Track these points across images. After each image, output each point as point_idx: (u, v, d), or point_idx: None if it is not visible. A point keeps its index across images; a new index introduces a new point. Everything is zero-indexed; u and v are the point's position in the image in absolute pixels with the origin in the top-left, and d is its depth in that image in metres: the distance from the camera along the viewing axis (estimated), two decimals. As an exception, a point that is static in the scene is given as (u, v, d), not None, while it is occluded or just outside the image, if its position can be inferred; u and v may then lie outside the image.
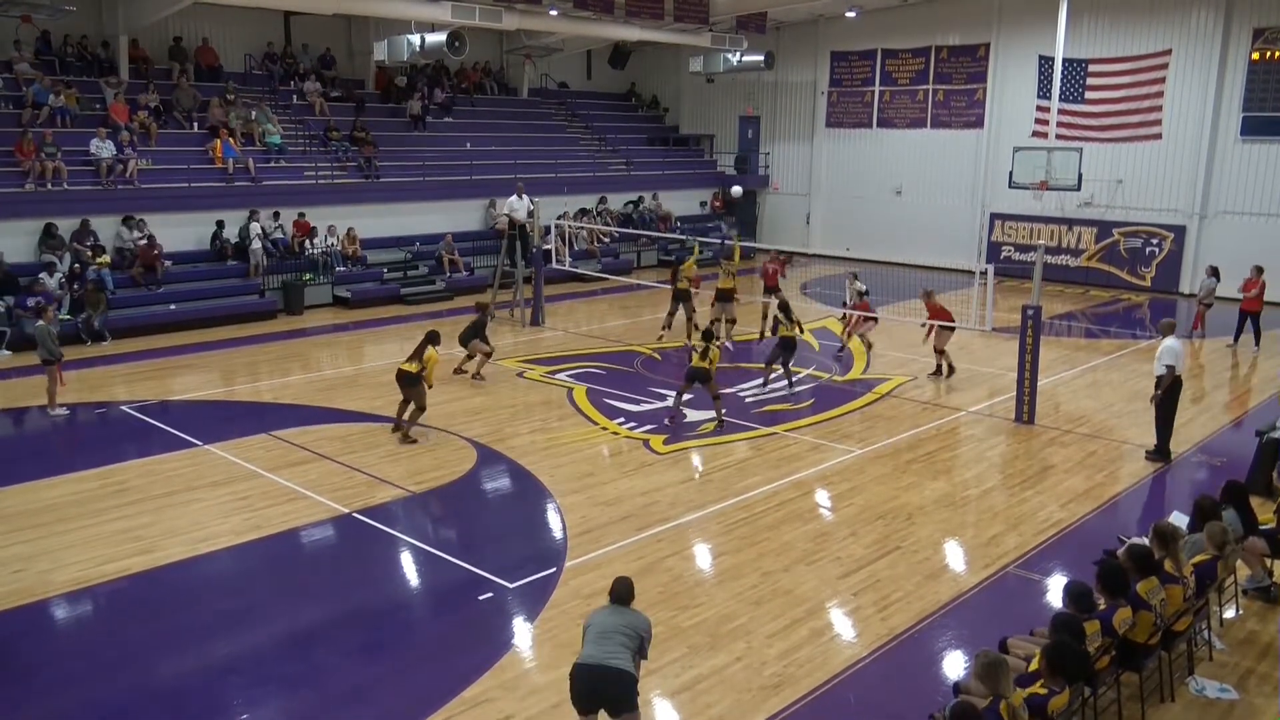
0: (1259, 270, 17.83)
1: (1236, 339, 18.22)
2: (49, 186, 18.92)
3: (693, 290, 18.19)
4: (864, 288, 17.82)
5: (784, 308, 15.18)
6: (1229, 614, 8.18)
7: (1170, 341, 11.63)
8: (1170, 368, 11.54)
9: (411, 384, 12.39)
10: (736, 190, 22.54)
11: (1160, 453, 12.07)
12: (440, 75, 28.58)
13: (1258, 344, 17.96)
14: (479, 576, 8.73)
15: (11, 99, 20.26)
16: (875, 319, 17.34)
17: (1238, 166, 23.29)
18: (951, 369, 15.88)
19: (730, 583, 8.63)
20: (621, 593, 6.03)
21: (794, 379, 15.26)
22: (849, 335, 17.49)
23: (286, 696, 7.00)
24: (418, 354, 12.45)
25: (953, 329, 15.51)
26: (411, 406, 12.48)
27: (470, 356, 15.53)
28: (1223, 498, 8.40)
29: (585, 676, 5.72)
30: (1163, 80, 24.01)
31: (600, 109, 33.22)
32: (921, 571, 8.89)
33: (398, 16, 22.59)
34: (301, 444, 12.34)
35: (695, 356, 13.13)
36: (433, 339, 12.63)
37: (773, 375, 15.30)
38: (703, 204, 32.42)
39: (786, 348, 14.90)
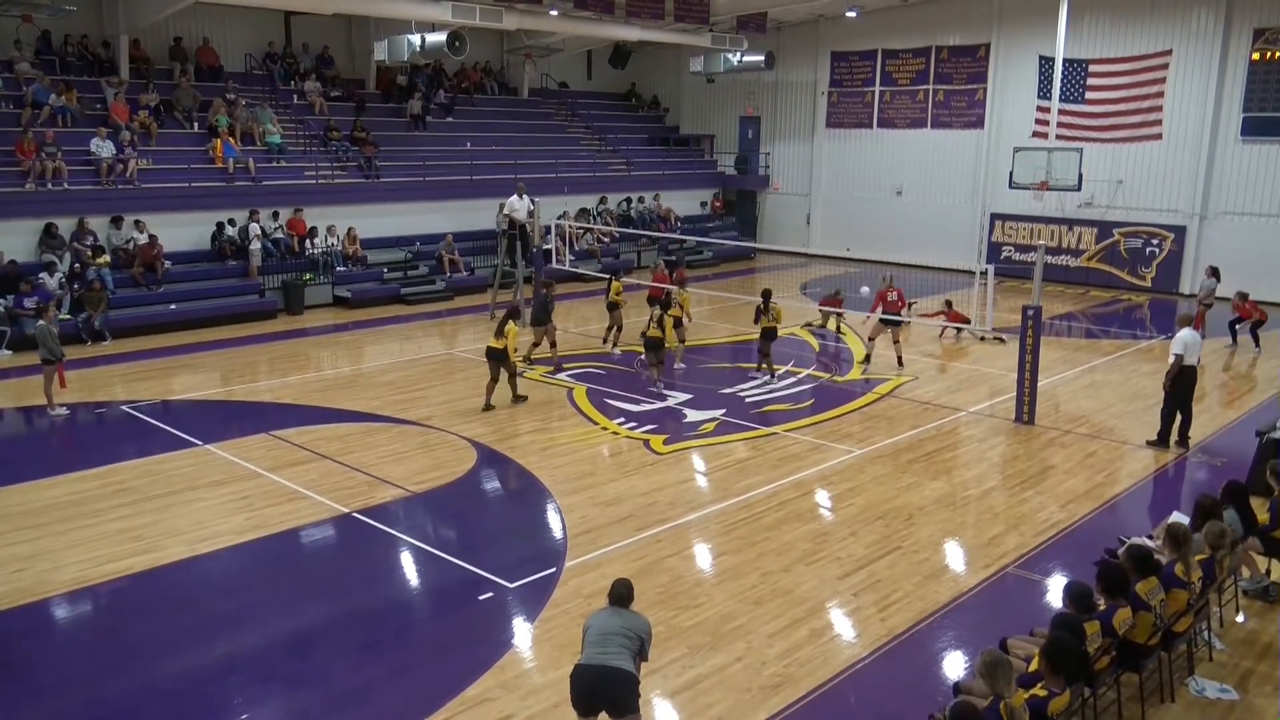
0: (1243, 296, 17.93)
1: (1236, 339, 18.22)
2: (49, 186, 18.93)
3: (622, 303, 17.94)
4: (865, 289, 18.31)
5: (766, 296, 15.51)
6: (1239, 619, 8.17)
7: (1183, 332, 12.05)
8: (1178, 356, 11.93)
9: (500, 359, 13.77)
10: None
11: (1161, 440, 12.39)
12: (440, 75, 28.59)
13: (1258, 344, 17.97)
14: (479, 576, 8.73)
15: (12, 98, 20.26)
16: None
17: (1238, 167, 23.28)
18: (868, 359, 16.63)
19: (730, 583, 8.63)
20: (621, 594, 6.01)
21: (776, 374, 15.62)
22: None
23: (287, 696, 7.00)
24: (500, 331, 13.76)
25: (897, 323, 16.26)
26: (503, 376, 13.91)
27: (537, 343, 16.17)
28: (1223, 498, 8.40)
29: (586, 678, 5.70)
30: (1163, 80, 24.00)
31: (601, 109, 33.24)
32: (921, 572, 8.89)
33: (398, 16, 22.60)
34: (302, 444, 12.35)
35: (651, 325, 14.68)
36: (513, 314, 14.00)
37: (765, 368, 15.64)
38: (703, 204, 32.43)
39: (767, 337, 15.34)
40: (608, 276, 18.82)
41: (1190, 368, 12.07)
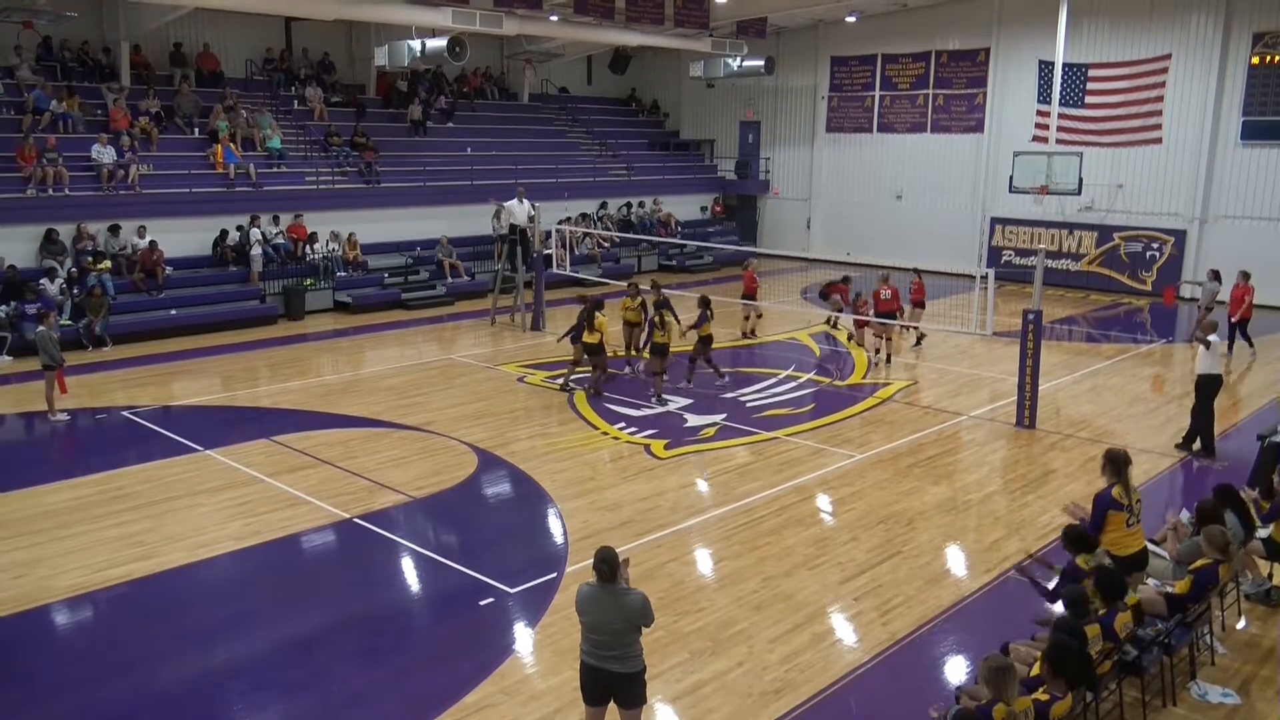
0: (1246, 275, 17.74)
1: (1250, 343, 18.07)
2: (50, 192, 18.95)
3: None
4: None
5: (704, 302, 15.21)
6: (1241, 623, 8.16)
7: (1214, 339, 12.17)
8: (1213, 343, 12.10)
9: (597, 352, 14.37)
10: None
11: (1206, 449, 12.32)
12: (441, 80, 28.63)
13: (1252, 347, 17.90)
14: (480, 582, 8.72)
15: (13, 105, 20.29)
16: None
17: (1238, 171, 23.29)
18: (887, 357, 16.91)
19: (731, 588, 8.62)
20: (609, 565, 5.72)
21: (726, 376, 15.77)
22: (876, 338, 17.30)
23: (287, 702, 6.99)
24: (590, 325, 14.16)
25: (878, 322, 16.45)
26: (596, 372, 14.62)
27: (577, 361, 15.36)
28: (1216, 499, 8.38)
29: (595, 675, 5.81)
30: (1163, 85, 24.02)
31: (601, 114, 33.27)
32: (923, 576, 8.88)
33: (398, 22, 22.62)
34: (302, 449, 12.34)
35: (657, 331, 14.41)
36: (598, 305, 14.45)
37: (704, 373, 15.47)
38: (703, 209, 32.45)
39: (705, 344, 15.17)
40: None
41: (1217, 375, 12.15)
